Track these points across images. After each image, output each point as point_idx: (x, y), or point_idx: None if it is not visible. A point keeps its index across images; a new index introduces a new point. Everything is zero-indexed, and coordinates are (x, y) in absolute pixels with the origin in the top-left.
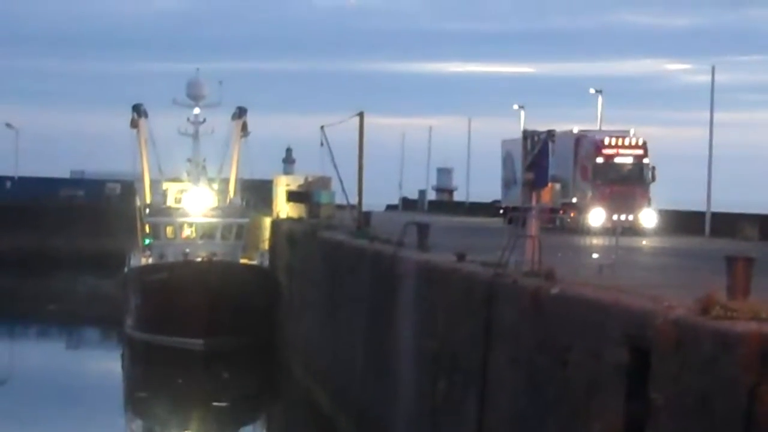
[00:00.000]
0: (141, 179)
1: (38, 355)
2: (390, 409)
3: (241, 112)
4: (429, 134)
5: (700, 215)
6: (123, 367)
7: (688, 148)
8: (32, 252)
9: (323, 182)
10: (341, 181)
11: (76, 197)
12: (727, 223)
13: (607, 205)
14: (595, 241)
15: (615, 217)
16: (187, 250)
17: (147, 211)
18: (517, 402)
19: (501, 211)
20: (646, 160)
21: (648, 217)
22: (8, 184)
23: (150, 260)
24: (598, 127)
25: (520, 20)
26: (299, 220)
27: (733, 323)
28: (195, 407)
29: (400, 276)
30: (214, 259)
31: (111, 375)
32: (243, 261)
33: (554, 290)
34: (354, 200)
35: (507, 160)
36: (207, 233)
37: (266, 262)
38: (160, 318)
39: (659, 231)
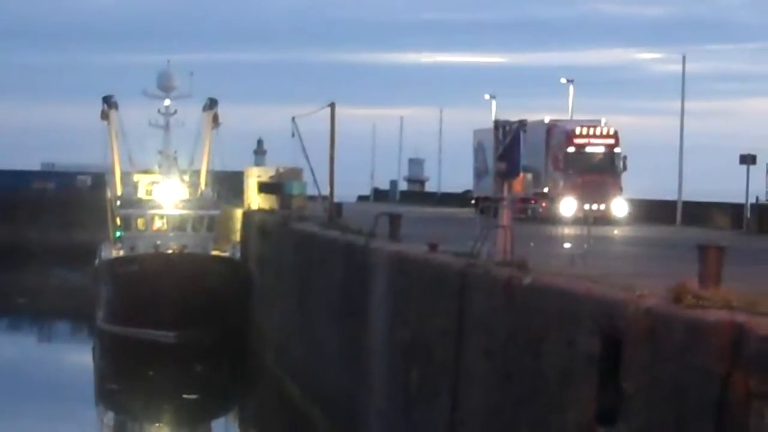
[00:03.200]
0: (112, 171)
1: (9, 348)
2: (363, 400)
3: (212, 104)
4: (400, 125)
5: (671, 204)
6: (94, 359)
7: (659, 137)
8: (2, 245)
9: (295, 173)
10: (313, 172)
11: (47, 190)
12: (698, 212)
13: (579, 195)
14: (567, 230)
15: (586, 206)
16: (159, 242)
17: (118, 203)
18: (491, 392)
19: (473, 202)
20: (617, 150)
21: (619, 207)
22: None
23: (121, 252)
24: (569, 117)
25: (492, 10)
26: (271, 211)
27: (705, 312)
28: (167, 400)
29: (372, 267)
30: (186, 251)
31: (82, 368)
32: (214, 253)
33: (526, 280)
34: (325, 191)
35: (479, 150)
36: (178, 225)
37: (238, 254)
38: (131, 310)
39: (631, 220)
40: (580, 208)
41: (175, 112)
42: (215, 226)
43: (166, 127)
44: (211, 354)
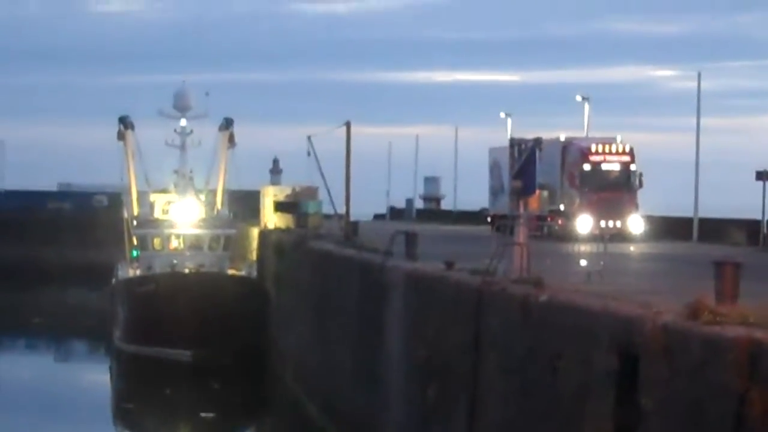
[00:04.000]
0: (128, 191)
1: (26, 367)
2: (380, 418)
3: (227, 123)
4: (416, 143)
5: (687, 221)
6: (111, 379)
7: (675, 154)
8: (19, 265)
9: (311, 192)
10: (329, 191)
11: (64, 210)
12: (714, 229)
13: (595, 212)
14: (583, 247)
15: (602, 223)
16: (175, 262)
17: (134, 222)
18: (508, 409)
19: (489, 219)
20: (633, 167)
21: (635, 224)
22: None
23: (138, 272)
24: (585, 134)
25: (507, 28)
26: (287, 230)
27: (722, 328)
28: (184, 419)
29: (388, 285)
30: (202, 270)
31: (99, 387)
32: (231, 272)
33: (543, 297)
34: (342, 210)
35: (494, 168)
36: (194, 244)
37: (254, 273)
38: (148, 329)
39: (647, 237)
40: (596, 225)
41: (191, 131)
42: (231, 246)
43: (182, 146)
44: (228, 372)
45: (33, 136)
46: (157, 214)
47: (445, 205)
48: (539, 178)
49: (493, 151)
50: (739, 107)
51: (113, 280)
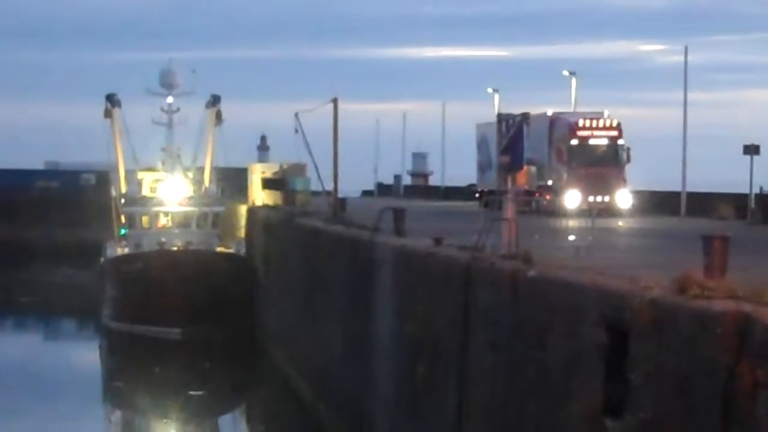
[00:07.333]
0: (116, 169)
1: (16, 347)
2: (370, 394)
3: (215, 100)
4: (403, 119)
5: (675, 195)
6: (101, 357)
7: (662, 129)
8: (7, 244)
9: (298, 169)
10: (316, 168)
11: (51, 188)
12: (702, 203)
13: (583, 187)
14: (571, 223)
15: (590, 198)
16: (163, 240)
17: (122, 201)
18: (497, 385)
19: (477, 195)
20: (620, 141)
21: (623, 198)
22: None
23: (126, 250)
24: (572, 109)
25: (494, 3)
26: (275, 207)
27: (711, 302)
28: (173, 396)
29: (377, 262)
30: (190, 248)
31: (89, 366)
32: (219, 249)
33: (531, 273)
34: (329, 187)
35: (482, 143)
36: (182, 222)
37: (243, 250)
38: (137, 308)
39: (635, 212)
40: (584, 200)
41: (178, 109)
42: (220, 223)
43: (170, 124)
44: (218, 350)
45: (19, 114)
46: (145, 192)
47: (433, 181)
48: (527, 154)
49: (480, 126)
50: (727, 81)
51: (101, 259)
